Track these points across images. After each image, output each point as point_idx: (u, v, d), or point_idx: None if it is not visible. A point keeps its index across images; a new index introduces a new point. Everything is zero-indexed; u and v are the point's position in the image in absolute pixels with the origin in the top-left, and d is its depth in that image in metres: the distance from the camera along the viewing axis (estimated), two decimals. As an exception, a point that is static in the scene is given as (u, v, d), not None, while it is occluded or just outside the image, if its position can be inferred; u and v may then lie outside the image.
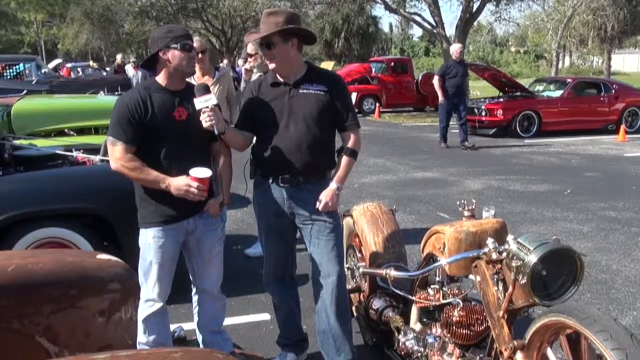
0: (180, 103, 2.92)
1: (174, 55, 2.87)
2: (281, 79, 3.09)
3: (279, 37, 2.98)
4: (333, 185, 3.08)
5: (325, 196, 3.05)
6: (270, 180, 3.12)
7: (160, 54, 2.89)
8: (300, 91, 3.06)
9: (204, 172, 2.84)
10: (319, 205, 3.05)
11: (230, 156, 3.16)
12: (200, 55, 4.33)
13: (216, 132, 2.88)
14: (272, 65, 3.05)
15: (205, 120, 2.85)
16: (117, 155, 2.84)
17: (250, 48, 5.06)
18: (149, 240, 2.94)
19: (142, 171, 2.83)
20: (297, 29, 3.05)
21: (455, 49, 11.91)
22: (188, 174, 2.83)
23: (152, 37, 3.00)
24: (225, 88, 4.90)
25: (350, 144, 3.15)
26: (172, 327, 3.28)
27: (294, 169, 3.05)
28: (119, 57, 21.34)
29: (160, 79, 2.95)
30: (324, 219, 3.09)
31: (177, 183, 2.83)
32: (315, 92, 3.05)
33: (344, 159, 3.14)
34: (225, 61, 18.24)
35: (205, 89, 2.91)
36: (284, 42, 2.99)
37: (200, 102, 2.85)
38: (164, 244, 2.94)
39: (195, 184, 2.81)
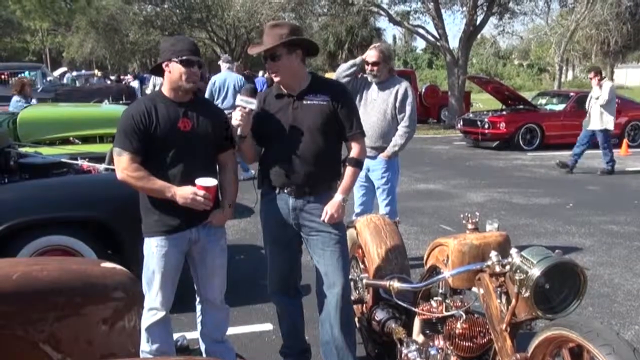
0: (185, 114, 2.95)
1: (174, 68, 2.91)
2: (285, 91, 3.11)
3: (283, 49, 3.00)
4: (338, 196, 3.07)
5: (330, 207, 3.04)
6: (277, 191, 3.13)
7: (163, 65, 2.94)
8: (305, 102, 3.06)
9: (210, 182, 2.88)
10: (325, 217, 3.04)
11: (237, 168, 3.18)
12: None
13: (239, 132, 2.97)
14: (277, 78, 3.07)
15: (236, 119, 2.94)
16: (123, 165, 2.87)
17: (373, 55, 4.68)
18: (152, 249, 2.96)
19: (148, 181, 2.86)
20: (301, 40, 3.08)
21: None
22: (194, 184, 2.85)
23: (160, 47, 3.07)
24: None
25: (354, 154, 3.14)
26: (175, 335, 3.29)
27: (299, 180, 3.05)
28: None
29: (165, 90, 2.99)
30: (330, 230, 3.09)
31: (183, 192, 2.85)
32: (319, 103, 3.06)
33: (349, 169, 3.13)
34: (260, 73, 18.05)
35: (253, 92, 3.02)
36: (288, 54, 3.01)
37: (241, 101, 2.95)
38: (167, 253, 2.95)
39: (201, 192, 2.84)
